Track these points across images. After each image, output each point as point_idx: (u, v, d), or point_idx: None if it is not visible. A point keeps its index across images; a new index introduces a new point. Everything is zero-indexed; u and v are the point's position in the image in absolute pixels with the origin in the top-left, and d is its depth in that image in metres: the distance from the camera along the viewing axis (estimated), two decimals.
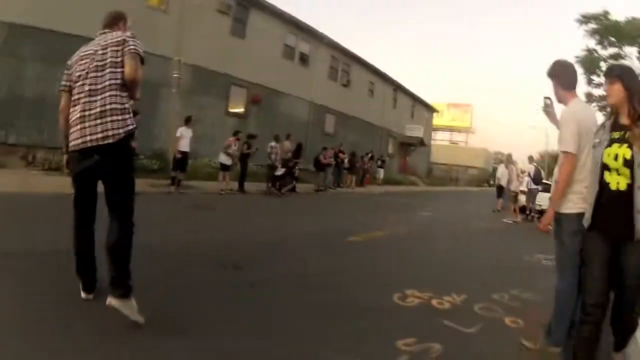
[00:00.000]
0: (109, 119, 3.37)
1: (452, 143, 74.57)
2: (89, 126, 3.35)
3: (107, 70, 3.48)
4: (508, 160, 17.12)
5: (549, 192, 15.01)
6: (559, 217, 3.57)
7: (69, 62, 3.71)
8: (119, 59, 3.50)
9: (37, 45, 14.78)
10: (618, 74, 3.11)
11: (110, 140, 3.34)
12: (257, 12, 22.60)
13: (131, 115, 3.54)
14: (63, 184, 11.39)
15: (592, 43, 27.20)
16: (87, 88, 3.45)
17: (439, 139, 69.58)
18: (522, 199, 16.67)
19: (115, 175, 3.50)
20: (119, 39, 3.57)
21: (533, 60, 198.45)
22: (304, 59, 26.66)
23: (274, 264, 5.90)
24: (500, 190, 19.08)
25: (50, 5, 14.95)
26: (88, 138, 3.34)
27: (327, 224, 10.60)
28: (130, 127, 3.46)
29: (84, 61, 3.57)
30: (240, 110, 22.20)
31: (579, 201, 3.43)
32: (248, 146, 15.68)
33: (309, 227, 9.68)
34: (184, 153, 13.41)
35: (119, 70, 3.49)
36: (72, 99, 3.54)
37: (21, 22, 14.41)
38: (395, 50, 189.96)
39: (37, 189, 10.73)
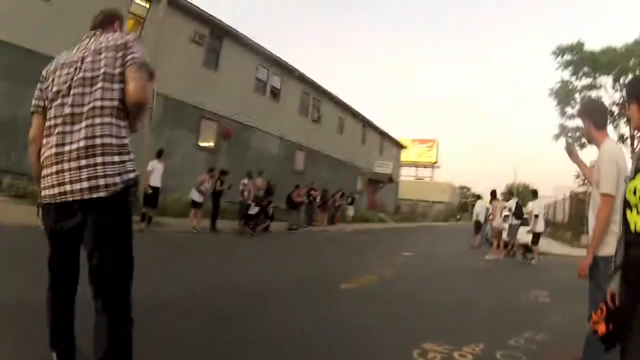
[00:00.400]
0: (99, 159, 2.28)
1: (418, 179, 74.98)
2: (69, 169, 2.28)
3: (99, 86, 2.37)
4: (492, 197, 16.82)
5: (527, 225, 15.17)
6: (596, 260, 3.28)
7: (43, 73, 2.66)
8: (118, 71, 2.41)
9: (3, 60, 13.89)
10: (632, 93, 2.58)
11: (102, 194, 2.26)
12: (230, 43, 22.19)
13: (131, 156, 2.45)
14: (32, 214, 10.54)
15: (566, 75, 27.79)
16: (67, 111, 2.35)
17: (404, 174, 70.04)
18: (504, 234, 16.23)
19: (106, 244, 2.36)
20: (118, 41, 2.48)
21: (499, 89, 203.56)
22: (275, 93, 26.28)
23: (267, 318, 5.19)
24: (478, 226, 19.21)
25: (19, 18, 14.12)
26: (68, 188, 2.27)
27: (312, 268, 10.02)
28: (132, 175, 2.40)
29: (65, 71, 2.48)
30: (211, 144, 21.47)
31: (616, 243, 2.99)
32: (221, 183, 14.97)
33: (294, 272, 9.00)
34: (155, 188, 12.67)
35: (116, 87, 2.40)
36: (46, 124, 2.45)
37: None
38: (362, 83, 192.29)
39: (3, 219, 9.78)
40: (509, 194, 16.94)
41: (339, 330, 4.97)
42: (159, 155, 13.11)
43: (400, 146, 47.97)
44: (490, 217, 17.03)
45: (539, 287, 8.96)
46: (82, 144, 2.28)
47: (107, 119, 2.34)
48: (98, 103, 2.34)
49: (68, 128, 2.32)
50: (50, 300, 2.62)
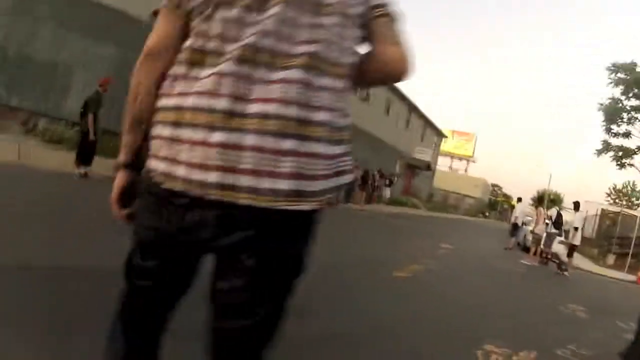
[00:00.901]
0: (315, 146, 1.23)
1: (452, 170, 73.99)
2: (256, 148, 1.16)
3: (331, 21, 1.26)
4: (539, 203, 16.43)
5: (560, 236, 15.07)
6: None
7: None
8: (358, 11, 1.33)
9: (56, 4, 13.79)
10: None
11: (306, 206, 1.23)
12: None
13: (348, 147, 1.40)
14: (64, 160, 10.56)
15: (617, 92, 27.15)
16: (255, 40, 1.19)
17: (439, 164, 69.12)
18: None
19: (280, 290, 1.35)
20: None
21: (548, 95, 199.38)
22: None
23: (333, 310, 4.85)
24: (515, 228, 19.08)
25: None
26: (246, 182, 1.17)
27: (361, 252, 9.67)
28: (348, 179, 1.38)
29: None
30: None
31: None
32: None
33: (345, 256, 8.56)
34: None
35: (356, 34, 1.36)
36: (194, 44, 1.26)
37: None
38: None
39: (35, 162, 9.70)
40: (539, 200, 16.52)
41: (401, 325, 4.83)
42: None
43: (441, 135, 47.20)
44: (534, 223, 16.80)
45: (574, 301, 8.91)
46: (289, 111, 1.18)
47: (337, 83, 1.30)
48: (327, 51, 1.26)
49: (260, 73, 1.19)
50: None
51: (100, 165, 10.26)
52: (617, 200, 40.02)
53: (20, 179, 7.96)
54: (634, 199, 40.69)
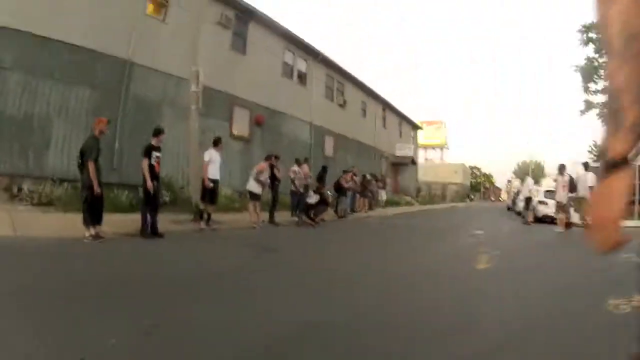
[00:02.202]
0: None
1: (427, 160, 73.38)
2: None
3: None
4: (560, 171, 15.56)
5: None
6: None
7: None
8: None
9: (20, 51, 12.09)
10: None
11: None
12: (256, 25, 20.47)
13: None
14: (64, 223, 9.06)
15: (590, 52, 27.37)
16: None
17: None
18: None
19: None
20: None
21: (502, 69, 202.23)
22: (301, 77, 24.60)
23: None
24: (528, 202, 19.35)
25: (35, 5, 12.36)
26: None
27: (424, 253, 9.38)
28: None
29: None
30: (245, 132, 19.78)
31: None
32: (277, 169, 13.48)
33: (414, 260, 8.23)
34: (214, 181, 11.03)
35: None
36: None
37: None
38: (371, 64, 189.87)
39: (34, 231, 8.21)
40: (561, 169, 15.82)
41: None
42: (216, 143, 11.49)
43: (416, 127, 46.28)
44: (556, 191, 16.28)
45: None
46: None
47: None
48: None
49: None
50: None
51: (109, 222, 8.94)
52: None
53: (29, 255, 6.35)
54: None
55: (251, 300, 4.65)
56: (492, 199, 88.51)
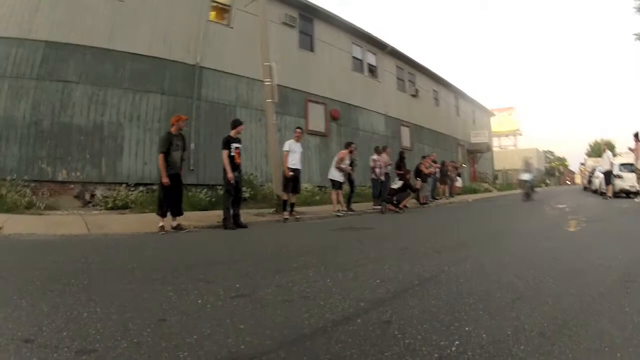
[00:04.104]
0: None
1: (502, 148, 70.52)
2: None
3: None
4: (637, 137, 14.46)
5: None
6: None
7: None
8: None
9: (82, 64, 12.52)
10: None
11: None
12: (320, 23, 20.29)
13: None
14: (142, 221, 9.04)
15: None
16: None
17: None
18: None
19: None
20: None
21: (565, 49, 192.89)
22: (372, 71, 24.13)
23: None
24: (608, 176, 18.38)
25: (89, 19, 12.81)
26: None
27: (527, 224, 8.76)
28: None
29: None
30: (321, 127, 19.57)
31: None
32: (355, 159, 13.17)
33: (522, 227, 7.39)
34: (295, 171, 10.78)
35: None
36: None
37: (58, 39, 12.22)
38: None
39: (108, 230, 8.11)
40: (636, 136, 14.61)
41: None
42: (298, 134, 11.27)
43: (489, 114, 44.48)
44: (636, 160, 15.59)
45: None
46: None
47: None
48: None
49: None
50: None
51: (189, 219, 9.00)
52: None
53: (111, 246, 6.21)
54: None
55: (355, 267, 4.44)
56: (568, 182, 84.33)
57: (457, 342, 2.30)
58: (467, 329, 2.52)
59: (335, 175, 12.11)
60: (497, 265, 4.42)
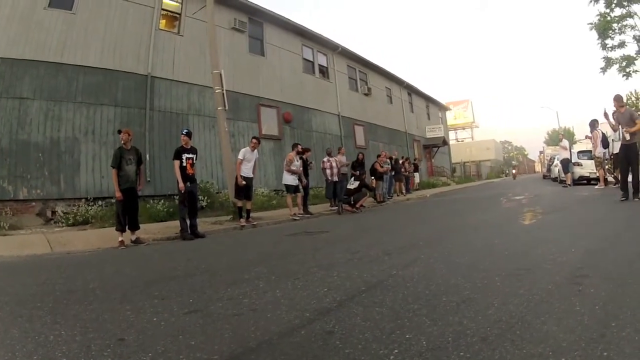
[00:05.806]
0: None
1: (459, 141, 71.84)
2: None
3: None
4: (593, 126, 14.76)
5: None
6: None
7: None
8: None
9: (36, 80, 12.10)
10: None
11: None
12: (270, 27, 20.11)
13: None
14: (102, 237, 8.74)
15: (601, 8, 25.69)
16: None
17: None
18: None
19: None
20: None
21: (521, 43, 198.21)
22: (323, 72, 24.06)
23: None
24: (566, 164, 18.38)
25: (42, 34, 12.40)
26: None
27: (481, 218, 8.39)
28: None
29: None
30: (274, 131, 19.32)
31: None
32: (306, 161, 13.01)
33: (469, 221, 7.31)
34: (248, 180, 10.55)
35: None
36: None
37: (13, 55, 11.81)
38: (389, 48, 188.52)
39: (71, 247, 7.97)
40: (593, 125, 14.93)
41: None
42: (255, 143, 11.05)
43: (444, 108, 45.15)
44: (593, 147, 15.80)
45: None
46: None
47: None
48: None
49: None
50: None
51: (147, 231, 8.91)
52: None
53: (71, 266, 6.01)
54: None
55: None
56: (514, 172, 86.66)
57: (395, 351, 2.26)
58: (407, 336, 2.47)
59: (289, 179, 11.94)
60: (446, 266, 4.33)
